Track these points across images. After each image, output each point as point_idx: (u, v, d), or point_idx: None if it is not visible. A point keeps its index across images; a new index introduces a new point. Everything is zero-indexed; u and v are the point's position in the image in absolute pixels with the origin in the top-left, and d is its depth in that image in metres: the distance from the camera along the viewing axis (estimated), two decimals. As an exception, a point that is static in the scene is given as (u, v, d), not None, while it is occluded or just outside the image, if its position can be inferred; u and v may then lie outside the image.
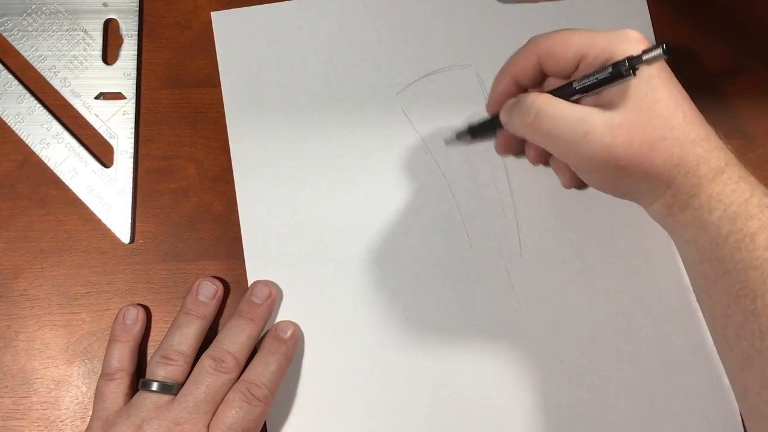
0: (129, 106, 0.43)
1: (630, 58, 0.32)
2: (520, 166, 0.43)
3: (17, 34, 0.43)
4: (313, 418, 0.40)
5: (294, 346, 0.39)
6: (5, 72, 0.43)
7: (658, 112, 0.32)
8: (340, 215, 0.42)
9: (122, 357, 0.38)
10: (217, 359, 0.37)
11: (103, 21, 0.43)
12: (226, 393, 0.37)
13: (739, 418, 0.40)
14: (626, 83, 0.32)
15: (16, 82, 0.42)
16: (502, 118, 0.37)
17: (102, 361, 0.38)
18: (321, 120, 0.43)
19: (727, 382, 0.40)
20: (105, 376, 0.38)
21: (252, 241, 0.41)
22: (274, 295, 0.40)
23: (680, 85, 0.33)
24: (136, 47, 0.43)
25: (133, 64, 0.43)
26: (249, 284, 0.40)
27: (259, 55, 0.43)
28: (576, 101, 0.34)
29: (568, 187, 0.40)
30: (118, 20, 0.44)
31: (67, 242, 0.41)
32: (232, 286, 0.41)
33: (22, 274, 0.41)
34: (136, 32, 0.43)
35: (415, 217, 0.42)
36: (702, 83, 0.45)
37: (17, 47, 0.43)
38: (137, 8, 0.44)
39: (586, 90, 0.34)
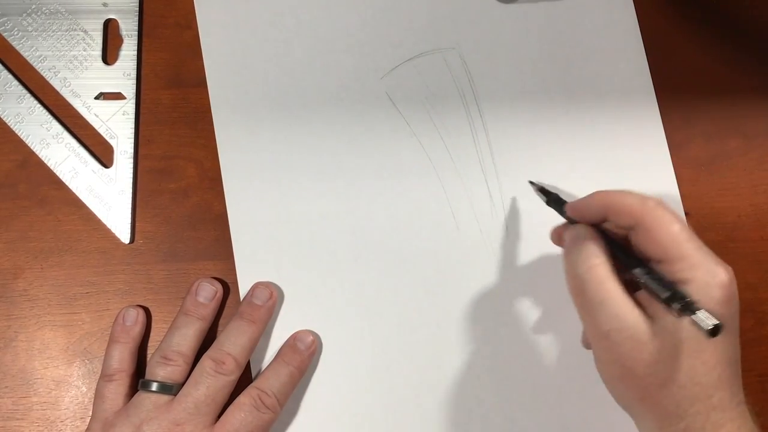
0: (129, 106, 0.43)
1: (691, 304, 0.30)
2: (505, 147, 0.43)
3: (17, 34, 0.43)
4: (314, 418, 0.40)
5: (310, 357, 0.39)
6: (5, 72, 0.43)
7: (694, 362, 0.30)
8: (326, 201, 0.42)
9: (122, 358, 0.38)
10: (218, 361, 0.37)
11: (103, 21, 0.43)
12: (227, 395, 0.37)
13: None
14: (683, 319, 0.31)
15: (16, 82, 0.42)
16: (566, 237, 0.36)
17: (102, 362, 0.38)
18: (305, 106, 0.43)
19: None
20: (104, 377, 0.38)
21: (241, 240, 0.41)
22: (275, 296, 0.40)
23: (738, 342, 0.32)
24: (136, 47, 0.43)
25: (133, 64, 0.43)
26: (239, 285, 0.40)
27: (242, 42, 0.43)
28: (632, 284, 0.33)
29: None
30: (118, 20, 0.43)
31: (67, 242, 0.41)
32: (232, 286, 0.41)
33: (21, 274, 0.41)
34: (136, 32, 0.43)
35: (401, 200, 0.42)
36: (701, 83, 0.45)
37: (17, 47, 0.43)
38: (137, 8, 0.44)
39: (645, 287, 0.32)
